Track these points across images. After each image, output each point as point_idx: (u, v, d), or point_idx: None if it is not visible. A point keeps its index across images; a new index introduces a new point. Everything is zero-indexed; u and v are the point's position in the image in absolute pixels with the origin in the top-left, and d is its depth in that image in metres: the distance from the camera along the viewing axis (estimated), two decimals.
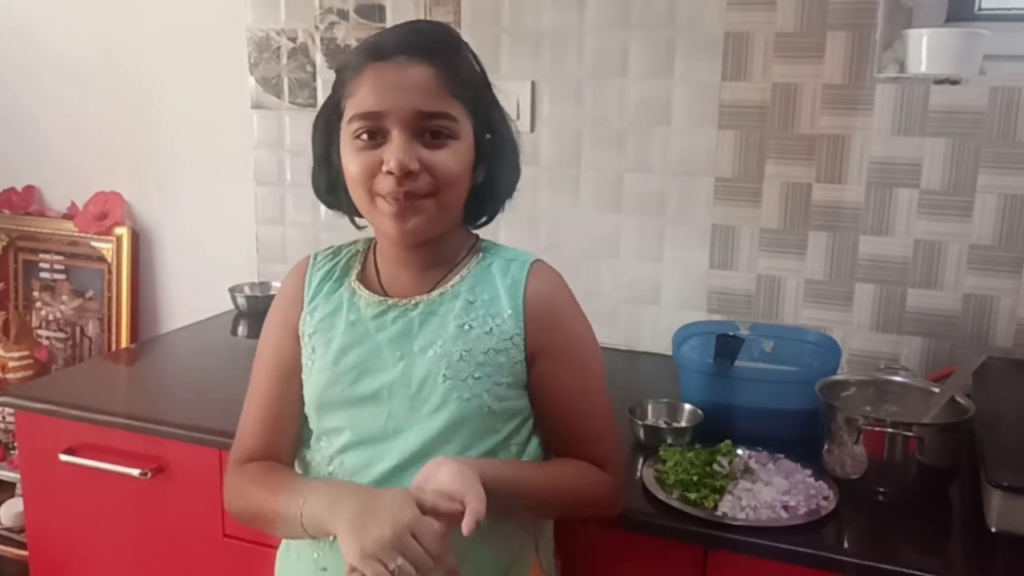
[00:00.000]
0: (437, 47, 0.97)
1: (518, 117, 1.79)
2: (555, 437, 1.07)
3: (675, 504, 1.15)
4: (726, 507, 1.14)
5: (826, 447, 1.23)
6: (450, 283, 1.04)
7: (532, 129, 1.80)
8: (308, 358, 1.05)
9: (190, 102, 2.13)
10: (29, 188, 2.34)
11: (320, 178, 1.07)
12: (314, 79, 1.97)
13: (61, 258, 2.30)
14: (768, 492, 1.16)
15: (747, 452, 1.26)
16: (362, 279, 1.07)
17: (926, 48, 1.47)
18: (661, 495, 1.16)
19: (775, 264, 1.67)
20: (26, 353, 2.24)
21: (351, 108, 0.97)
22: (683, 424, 1.37)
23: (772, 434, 1.31)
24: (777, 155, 1.63)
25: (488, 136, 1.02)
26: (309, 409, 1.05)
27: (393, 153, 0.94)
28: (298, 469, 1.09)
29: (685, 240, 1.73)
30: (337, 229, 1.99)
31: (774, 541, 1.08)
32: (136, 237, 2.23)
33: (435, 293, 1.03)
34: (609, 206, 1.78)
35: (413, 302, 1.03)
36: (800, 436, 1.29)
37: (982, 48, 1.46)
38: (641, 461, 1.27)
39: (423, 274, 1.04)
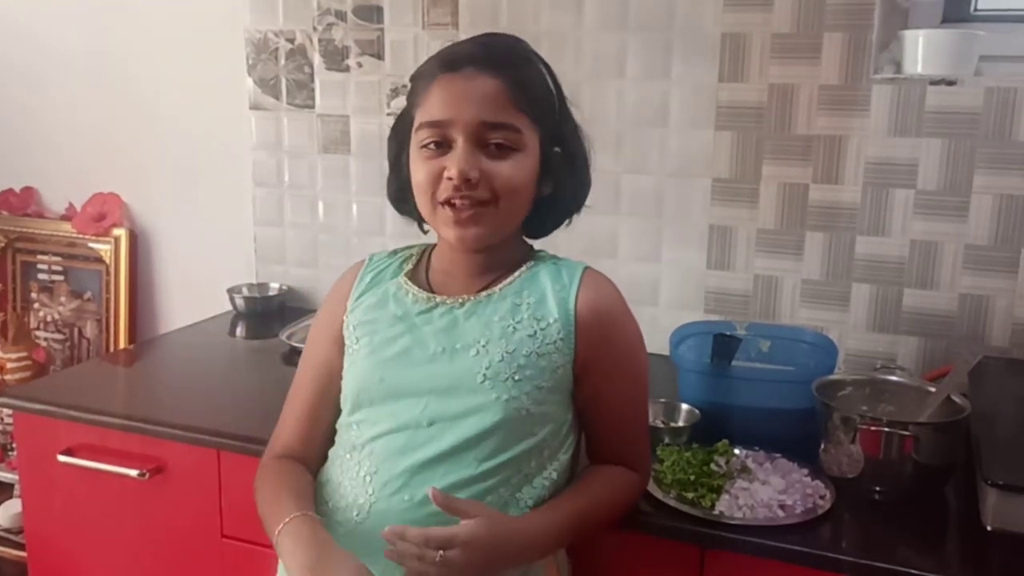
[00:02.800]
0: (506, 60, 1.01)
1: None
2: (595, 438, 1.11)
3: (672, 503, 1.15)
4: (723, 506, 1.14)
5: (823, 446, 1.23)
6: (498, 286, 1.06)
7: None
8: (352, 348, 1.08)
9: (188, 103, 2.13)
10: (27, 189, 2.34)
11: (392, 184, 1.11)
12: (312, 80, 1.98)
13: (59, 259, 2.30)
14: (765, 491, 1.16)
15: (744, 452, 1.27)
16: (411, 277, 1.10)
17: (922, 49, 1.48)
18: (658, 494, 1.17)
19: (772, 264, 1.68)
20: (24, 354, 2.24)
21: (420, 116, 1.01)
22: (680, 424, 1.37)
23: (769, 434, 1.31)
24: (774, 156, 1.64)
25: (557, 150, 1.04)
26: (347, 396, 1.07)
27: (455, 162, 0.98)
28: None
29: (682, 241, 1.73)
30: (335, 231, 2.02)
31: (771, 540, 1.09)
32: (134, 238, 2.23)
33: (483, 294, 1.06)
34: (607, 207, 1.78)
35: (460, 300, 1.06)
36: (797, 435, 1.29)
37: (978, 49, 1.47)
38: None
39: (474, 278, 1.07)
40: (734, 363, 1.41)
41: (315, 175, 2.02)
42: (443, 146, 0.99)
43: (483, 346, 1.01)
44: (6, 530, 2.11)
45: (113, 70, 2.19)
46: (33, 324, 2.34)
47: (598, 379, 1.05)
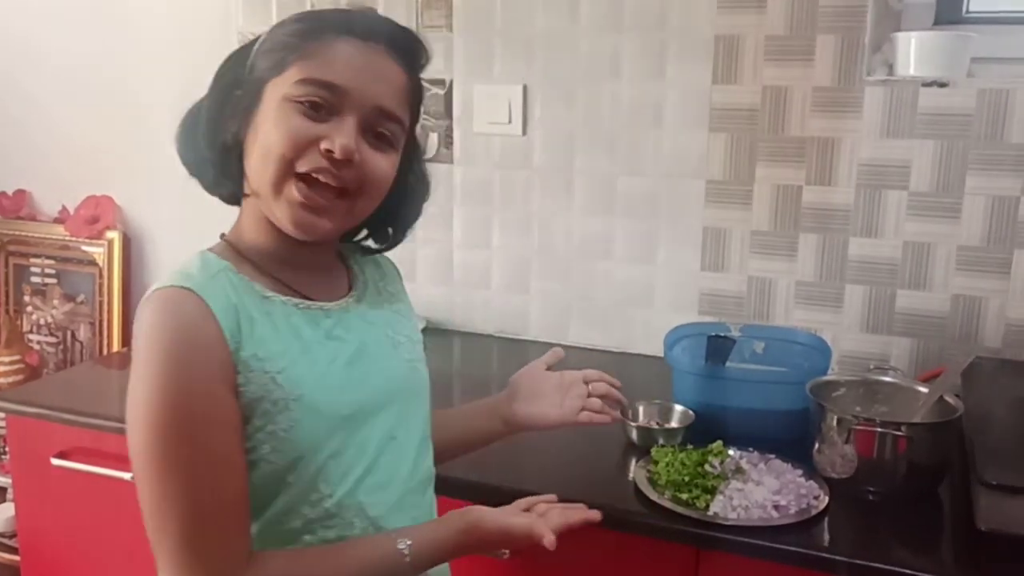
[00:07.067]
0: (413, 53, 0.92)
1: (510, 120, 1.80)
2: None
3: (667, 504, 1.15)
4: (717, 507, 1.14)
5: (816, 447, 1.23)
6: (359, 278, 1.02)
7: (524, 132, 1.80)
8: (271, 393, 0.84)
9: (182, 105, 2.12)
10: (20, 192, 2.33)
11: (203, 134, 0.93)
12: None
13: (52, 262, 2.29)
14: (759, 492, 1.16)
15: (738, 452, 1.27)
16: (283, 294, 0.91)
17: (915, 51, 1.48)
18: (653, 496, 1.17)
19: (766, 266, 1.68)
20: (17, 358, 2.23)
21: (303, 70, 0.85)
22: (675, 425, 1.37)
23: (763, 434, 1.31)
24: (767, 157, 1.64)
25: (408, 163, 0.97)
26: (299, 447, 0.86)
27: (343, 134, 0.84)
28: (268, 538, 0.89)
29: (677, 242, 1.74)
30: None
31: (765, 541, 1.09)
32: (127, 241, 2.22)
33: (359, 290, 1.00)
34: (601, 209, 1.78)
35: (353, 298, 0.98)
36: (791, 436, 1.29)
37: (970, 50, 1.48)
38: (633, 462, 1.28)
39: (329, 275, 0.99)
40: (728, 364, 1.41)
41: None
42: (322, 111, 0.85)
43: (390, 336, 0.99)
44: None
45: (106, 72, 2.19)
46: (26, 327, 2.33)
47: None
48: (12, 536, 2.02)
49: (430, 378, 1.05)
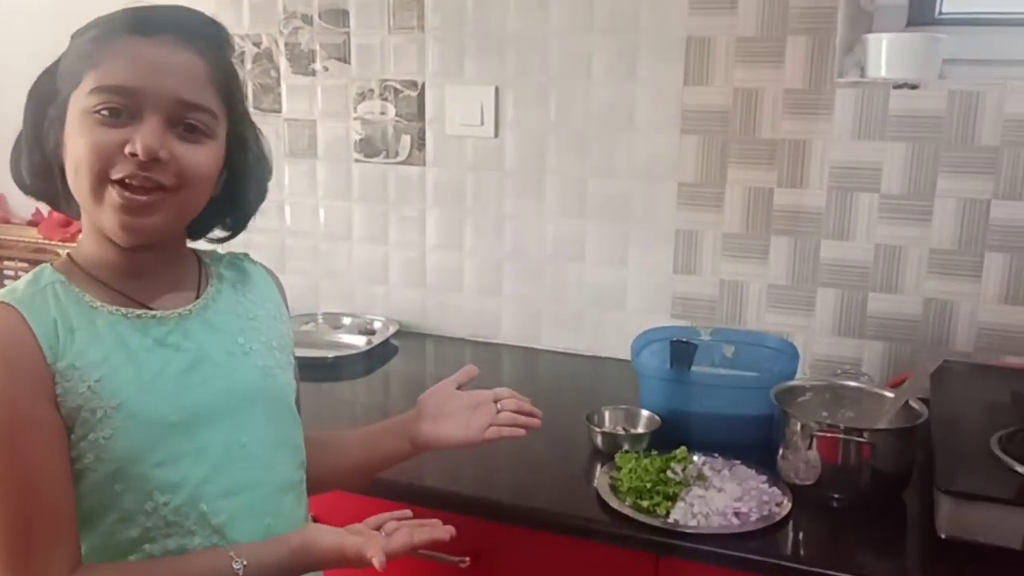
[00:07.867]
0: (208, 37, 0.90)
1: (482, 122, 1.79)
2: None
3: (627, 512, 1.14)
4: (678, 514, 1.13)
5: (780, 453, 1.22)
6: (211, 282, 0.99)
7: (496, 134, 1.79)
8: (89, 402, 0.84)
9: None
10: None
11: (30, 155, 0.91)
12: (278, 84, 1.96)
13: (26, 265, 2.27)
14: (720, 499, 1.15)
15: (702, 458, 1.26)
16: (114, 303, 0.90)
17: (886, 52, 1.47)
18: (614, 503, 1.16)
19: (738, 269, 1.67)
20: None
21: (94, 79, 0.84)
22: (640, 430, 1.36)
23: (729, 440, 1.30)
24: (739, 159, 1.63)
25: (239, 148, 0.95)
26: (122, 455, 0.85)
27: (144, 136, 0.83)
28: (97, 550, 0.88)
29: (649, 245, 1.72)
30: (303, 235, 2.00)
31: (725, 548, 1.08)
32: None
33: (209, 293, 0.97)
34: (573, 211, 1.77)
35: (188, 309, 0.94)
36: (757, 442, 1.28)
37: (941, 52, 1.47)
38: (599, 468, 1.26)
39: (175, 282, 0.96)
40: (696, 369, 1.40)
41: (282, 180, 2.00)
42: (121, 116, 0.84)
43: (241, 343, 0.96)
44: None
45: None
46: None
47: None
48: None
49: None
